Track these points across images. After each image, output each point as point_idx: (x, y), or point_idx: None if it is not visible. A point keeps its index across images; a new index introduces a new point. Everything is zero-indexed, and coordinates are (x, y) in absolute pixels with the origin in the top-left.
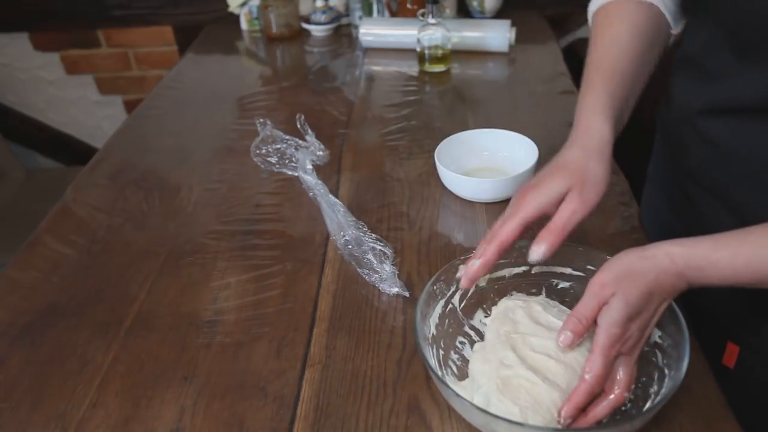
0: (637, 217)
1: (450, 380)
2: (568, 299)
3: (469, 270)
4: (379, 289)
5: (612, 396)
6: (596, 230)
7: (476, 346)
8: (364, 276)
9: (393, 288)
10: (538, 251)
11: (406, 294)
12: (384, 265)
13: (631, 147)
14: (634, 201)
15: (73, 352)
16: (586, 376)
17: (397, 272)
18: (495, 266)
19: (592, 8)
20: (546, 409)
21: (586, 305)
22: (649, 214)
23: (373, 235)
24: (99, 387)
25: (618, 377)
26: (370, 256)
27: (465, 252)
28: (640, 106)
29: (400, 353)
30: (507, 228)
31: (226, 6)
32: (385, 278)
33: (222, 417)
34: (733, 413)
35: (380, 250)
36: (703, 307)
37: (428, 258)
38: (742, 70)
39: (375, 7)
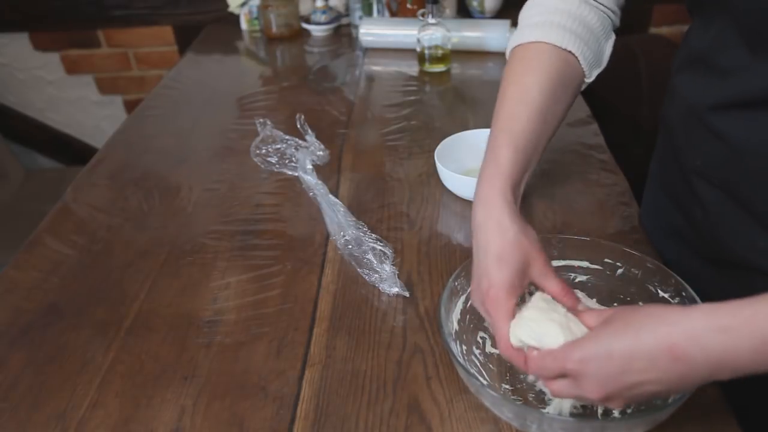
0: (637, 216)
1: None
2: (586, 293)
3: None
4: (379, 289)
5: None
6: (596, 230)
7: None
8: (364, 276)
9: (393, 288)
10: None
11: (406, 294)
12: (384, 265)
13: (631, 147)
14: (634, 201)
15: (73, 352)
16: (534, 366)
17: (397, 272)
18: None
19: (512, 43)
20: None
21: (546, 366)
22: (651, 214)
23: (373, 235)
24: (99, 387)
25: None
26: (370, 256)
27: (465, 252)
28: (640, 107)
29: (400, 353)
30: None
31: (226, 6)
32: (385, 278)
33: (222, 417)
34: (738, 412)
35: (380, 250)
36: None
37: (428, 258)
38: (756, 64)
39: (375, 7)
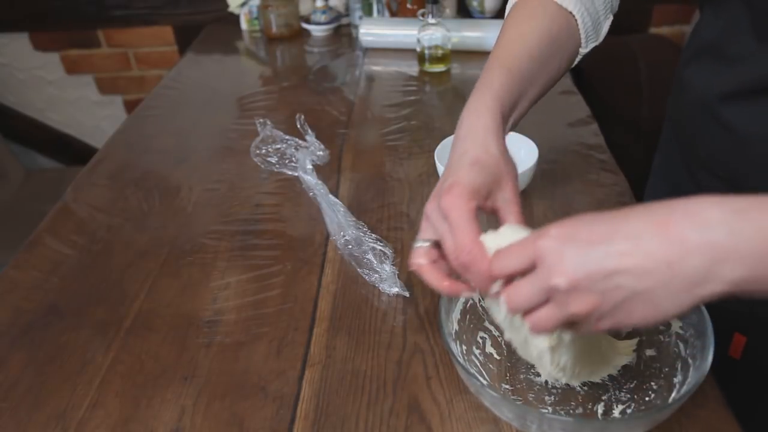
0: None
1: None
2: None
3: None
4: (379, 289)
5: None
6: None
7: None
8: (364, 276)
9: (393, 288)
10: None
11: (406, 294)
12: (384, 265)
13: (631, 147)
14: (634, 201)
15: (73, 352)
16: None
17: (397, 272)
18: None
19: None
20: None
21: (512, 255)
22: None
23: (373, 235)
24: (99, 387)
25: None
26: (370, 256)
27: None
28: (640, 107)
29: (400, 353)
30: (474, 248)
31: (226, 6)
32: (385, 278)
33: (222, 417)
34: (739, 404)
35: (380, 250)
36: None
37: None
38: (764, 52)
39: (375, 7)
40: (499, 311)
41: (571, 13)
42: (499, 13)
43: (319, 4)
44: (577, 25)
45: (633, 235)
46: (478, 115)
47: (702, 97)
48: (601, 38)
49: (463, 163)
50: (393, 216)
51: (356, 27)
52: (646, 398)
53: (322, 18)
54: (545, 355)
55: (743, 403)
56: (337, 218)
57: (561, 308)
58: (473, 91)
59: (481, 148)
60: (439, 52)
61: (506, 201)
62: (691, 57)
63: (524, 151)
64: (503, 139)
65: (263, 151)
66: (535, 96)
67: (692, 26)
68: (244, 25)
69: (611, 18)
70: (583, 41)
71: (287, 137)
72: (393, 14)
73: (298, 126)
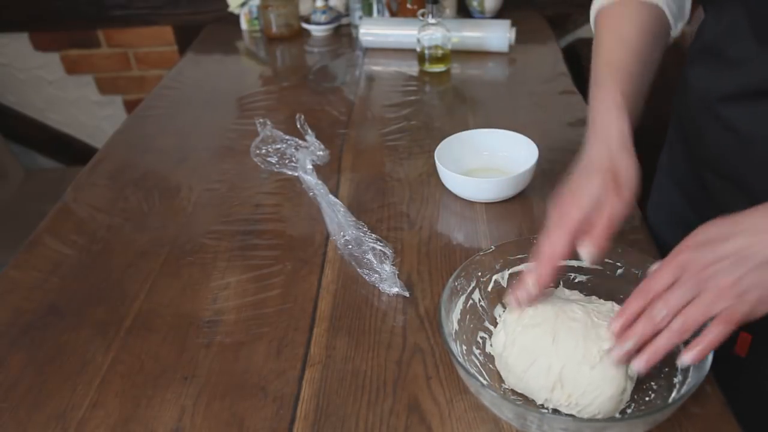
0: (638, 216)
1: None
2: (585, 293)
3: (525, 291)
4: (379, 289)
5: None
6: None
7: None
8: (364, 276)
9: (393, 288)
10: (587, 253)
11: (406, 294)
12: (384, 265)
13: (634, 146)
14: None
15: (73, 352)
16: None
17: (397, 272)
18: (511, 262)
19: (595, 7)
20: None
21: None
22: (659, 207)
23: (373, 235)
24: (99, 387)
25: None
26: (370, 256)
27: (465, 252)
28: (646, 105)
29: (400, 353)
30: (557, 244)
31: (226, 6)
32: (385, 278)
33: (222, 417)
34: (744, 402)
35: (380, 250)
36: None
37: (428, 258)
38: (764, 54)
39: (375, 7)
40: (497, 341)
41: (656, 5)
42: (499, 13)
43: (319, 4)
44: (665, 13)
45: (755, 230)
46: (608, 126)
47: (704, 97)
48: (686, 16)
49: (581, 167)
50: (393, 216)
51: (356, 27)
52: (646, 398)
53: (322, 18)
54: (546, 392)
55: (747, 401)
56: (337, 218)
57: (705, 297)
58: (595, 96)
59: (595, 157)
60: (439, 52)
61: (598, 220)
62: (695, 57)
63: (524, 151)
64: (622, 155)
65: (263, 151)
66: (645, 92)
67: (693, 26)
68: (244, 25)
69: None
70: (672, 25)
71: (287, 137)
72: (393, 14)
73: (298, 126)
